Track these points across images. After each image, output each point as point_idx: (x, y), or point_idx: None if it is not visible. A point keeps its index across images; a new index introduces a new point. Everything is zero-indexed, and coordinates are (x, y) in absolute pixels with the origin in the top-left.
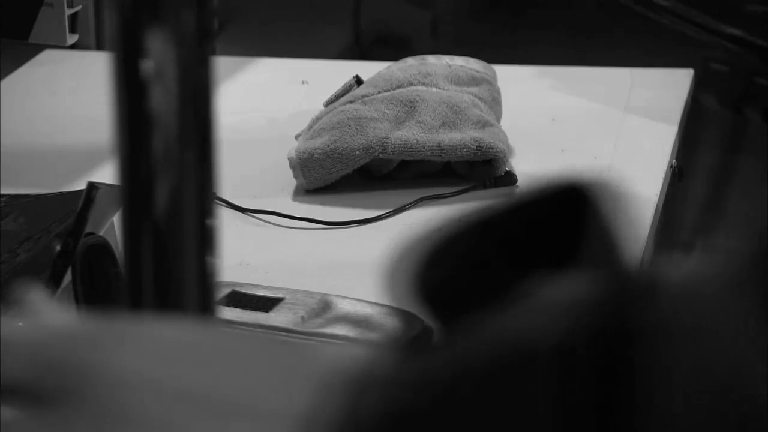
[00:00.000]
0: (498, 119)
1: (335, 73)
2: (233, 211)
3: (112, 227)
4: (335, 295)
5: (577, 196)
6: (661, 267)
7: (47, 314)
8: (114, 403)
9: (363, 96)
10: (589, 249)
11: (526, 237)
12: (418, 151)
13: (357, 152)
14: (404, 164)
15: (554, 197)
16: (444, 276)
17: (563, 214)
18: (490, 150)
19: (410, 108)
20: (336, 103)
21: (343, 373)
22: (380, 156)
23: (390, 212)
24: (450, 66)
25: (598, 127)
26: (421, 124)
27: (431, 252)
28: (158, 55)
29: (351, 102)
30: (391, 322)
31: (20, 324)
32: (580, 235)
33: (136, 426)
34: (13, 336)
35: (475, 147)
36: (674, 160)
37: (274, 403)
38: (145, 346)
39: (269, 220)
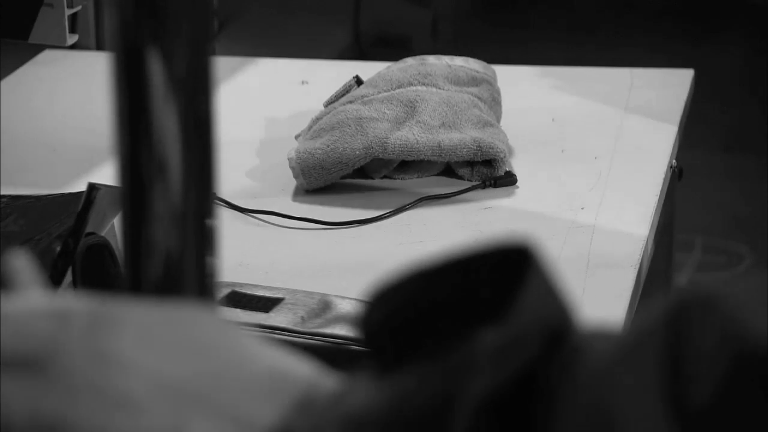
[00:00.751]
0: (498, 119)
1: (335, 73)
2: (233, 211)
3: (113, 227)
4: (335, 295)
5: (518, 256)
6: (588, 330)
7: (33, 287)
8: (93, 379)
9: (363, 96)
10: (526, 302)
11: (468, 290)
12: (418, 151)
13: (357, 152)
14: (404, 164)
15: (498, 254)
16: (384, 320)
17: (505, 270)
18: (490, 150)
19: (410, 108)
20: (336, 104)
21: (312, 402)
22: (380, 156)
23: (390, 212)
24: (450, 66)
25: (598, 127)
26: (421, 125)
27: (379, 295)
28: (158, 56)
29: (351, 102)
30: None
31: (16, 299)
32: (518, 291)
33: (107, 402)
34: (8, 310)
35: (475, 147)
36: (674, 160)
37: (242, 410)
38: (135, 331)
39: (269, 220)
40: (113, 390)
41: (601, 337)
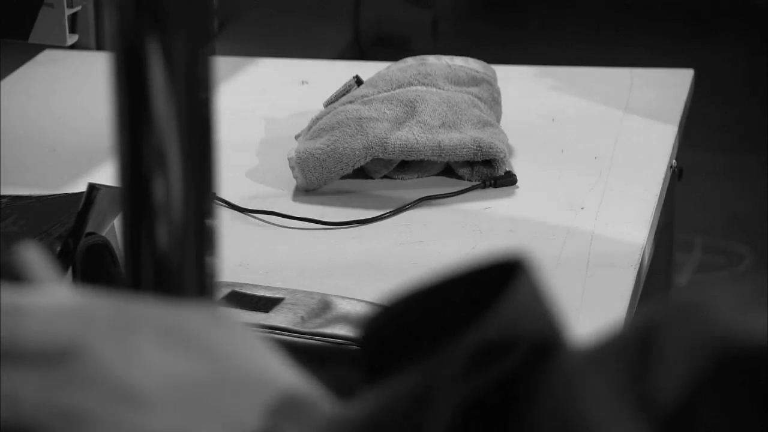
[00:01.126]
0: (498, 119)
1: (335, 73)
2: (233, 211)
3: (113, 227)
4: (335, 295)
5: (509, 270)
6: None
7: (52, 281)
8: (111, 376)
9: (363, 96)
10: (508, 311)
11: (463, 305)
12: (418, 151)
13: (357, 152)
14: (404, 164)
15: (489, 270)
16: (381, 338)
17: (493, 284)
18: (490, 150)
19: (410, 108)
20: (336, 104)
21: (293, 407)
22: (380, 156)
23: (390, 212)
24: (450, 66)
25: (598, 127)
26: (421, 124)
27: (378, 314)
28: (158, 56)
29: (351, 102)
30: None
31: (41, 294)
32: (495, 303)
33: (121, 399)
34: (33, 304)
35: (475, 147)
36: (674, 160)
37: (244, 417)
38: (157, 332)
39: (269, 220)
40: (129, 388)
41: (580, 347)
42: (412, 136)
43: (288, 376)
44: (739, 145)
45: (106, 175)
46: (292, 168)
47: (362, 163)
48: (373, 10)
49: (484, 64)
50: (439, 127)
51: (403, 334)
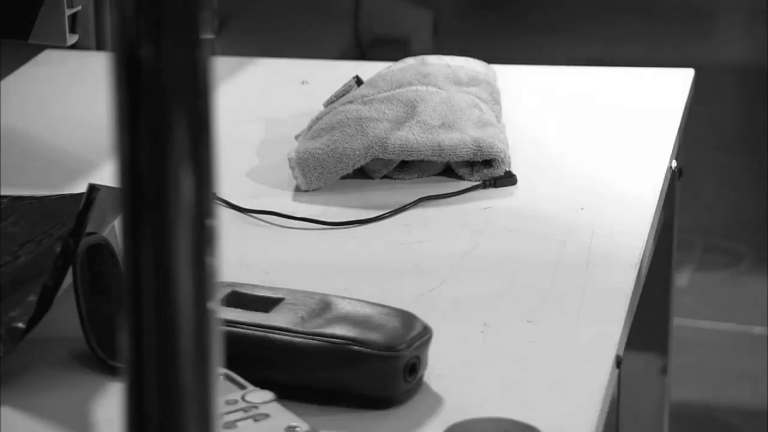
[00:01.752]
0: (498, 119)
1: (335, 73)
2: (233, 211)
3: (113, 227)
4: (335, 295)
5: None
6: None
7: None
8: None
9: (363, 96)
10: None
11: None
12: (418, 151)
13: (357, 152)
14: (404, 164)
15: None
16: None
17: None
18: (490, 150)
19: (410, 108)
20: (336, 104)
21: None
22: (380, 156)
23: (390, 212)
24: (450, 66)
25: (599, 127)
26: (421, 124)
27: None
28: (157, 56)
29: (351, 102)
30: (390, 323)
31: None
32: None
33: None
34: None
35: (475, 147)
36: (674, 160)
37: None
38: None
39: (269, 220)
40: None
41: None
42: (412, 136)
43: None
44: (739, 145)
45: (106, 175)
46: (292, 168)
47: (362, 163)
48: (373, 10)
49: (484, 64)
50: (439, 127)
51: None
